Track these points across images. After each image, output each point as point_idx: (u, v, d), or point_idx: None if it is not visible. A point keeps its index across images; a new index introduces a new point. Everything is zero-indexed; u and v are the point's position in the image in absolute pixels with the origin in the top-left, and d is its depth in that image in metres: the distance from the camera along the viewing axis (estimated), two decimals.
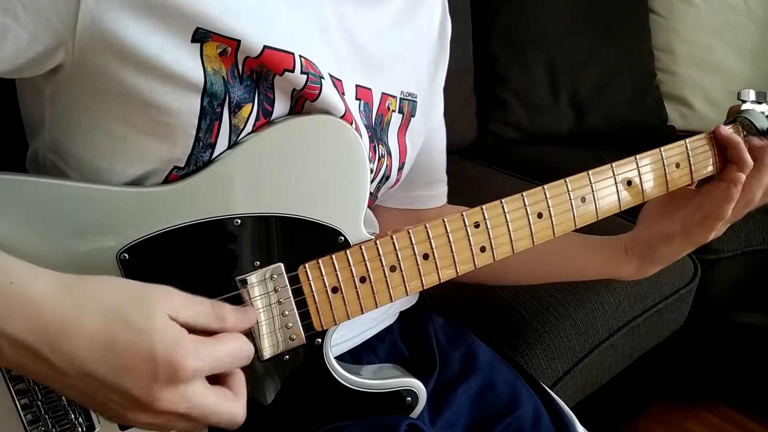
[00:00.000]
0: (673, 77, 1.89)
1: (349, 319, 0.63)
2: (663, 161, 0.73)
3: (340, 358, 0.66)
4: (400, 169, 0.75)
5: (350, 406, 0.66)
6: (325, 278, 0.61)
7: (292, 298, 0.60)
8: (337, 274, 0.61)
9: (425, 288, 0.65)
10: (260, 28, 0.56)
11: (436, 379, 0.78)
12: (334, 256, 0.61)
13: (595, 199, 0.71)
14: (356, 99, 0.66)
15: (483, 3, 1.77)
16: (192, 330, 0.50)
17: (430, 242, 0.64)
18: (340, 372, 0.65)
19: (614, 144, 1.70)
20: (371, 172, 0.66)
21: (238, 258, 0.59)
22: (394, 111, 0.72)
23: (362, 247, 0.62)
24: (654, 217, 0.77)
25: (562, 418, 0.79)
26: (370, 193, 0.67)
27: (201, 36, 0.53)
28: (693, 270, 1.31)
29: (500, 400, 0.78)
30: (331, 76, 0.62)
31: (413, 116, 0.75)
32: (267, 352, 0.60)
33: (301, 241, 0.60)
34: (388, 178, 0.72)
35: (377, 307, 0.64)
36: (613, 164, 0.71)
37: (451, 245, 0.65)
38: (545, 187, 0.68)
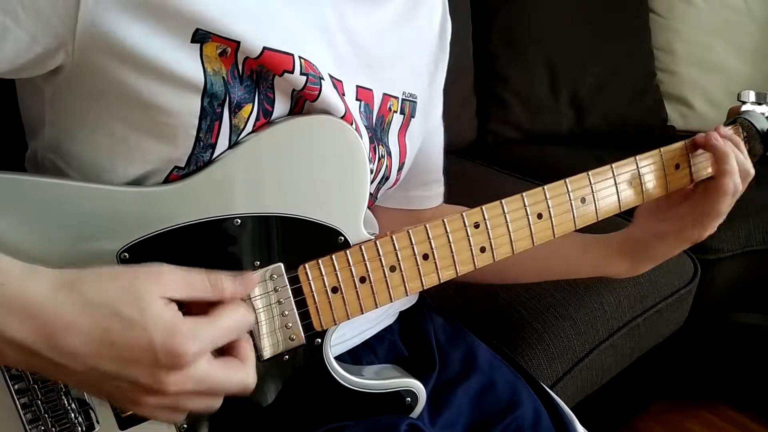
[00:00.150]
0: (673, 77, 1.89)
1: (348, 319, 0.63)
2: (663, 162, 0.73)
3: (339, 358, 0.66)
4: (400, 169, 0.75)
5: (350, 406, 0.66)
6: (324, 278, 0.61)
7: (291, 298, 0.60)
8: (336, 274, 0.61)
9: (425, 288, 0.65)
10: (260, 28, 0.56)
11: (436, 379, 0.78)
12: (334, 256, 0.61)
13: (595, 200, 0.71)
14: (356, 100, 0.66)
15: (483, 3, 1.77)
16: (190, 305, 0.50)
17: (430, 242, 0.64)
18: (340, 372, 0.65)
19: (614, 144, 1.69)
20: (371, 172, 0.66)
21: (238, 258, 0.59)
22: (395, 112, 0.72)
23: (362, 247, 0.62)
24: (649, 216, 0.78)
25: (562, 418, 0.79)
26: (370, 194, 0.67)
27: (201, 37, 0.53)
28: (693, 270, 1.31)
29: (500, 400, 0.78)
30: (331, 76, 0.62)
31: (413, 117, 0.75)
32: (267, 352, 0.60)
33: (301, 241, 0.60)
34: (387, 178, 0.72)
35: (377, 307, 0.64)
36: (613, 165, 0.71)
37: (450, 245, 0.65)
38: (545, 187, 0.68)
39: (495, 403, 0.78)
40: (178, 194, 0.57)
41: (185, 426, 0.59)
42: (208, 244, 0.58)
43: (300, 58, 0.58)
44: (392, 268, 0.63)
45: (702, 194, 0.74)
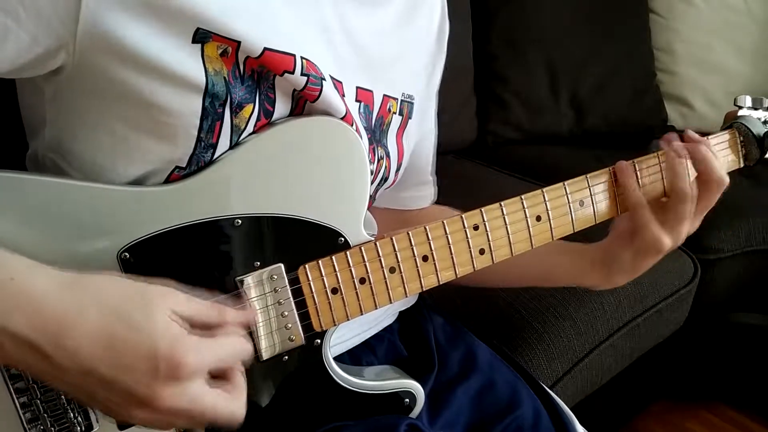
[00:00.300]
0: (673, 77, 1.89)
1: (348, 319, 0.63)
2: (660, 165, 0.73)
3: (339, 359, 0.66)
4: (398, 170, 0.75)
5: (349, 406, 0.66)
6: (324, 279, 0.61)
7: (291, 298, 0.61)
8: (336, 275, 0.62)
9: (424, 289, 0.65)
10: (261, 29, 0.56)
11: (436, 380, 0.78)
12: (334, 257, 0.61)
13: (593, 203, 0.71)
14: (356, 101, 0.66)
15: (483, 3, 1.77)
16: (192, 327, 0.50)
17: (430, 244, 0.64)
18: (339, 373, 0.65)
19: (614, 144, 1.69)
20: (371, 173, 0.66)
21: (238, 258, 0.59)
22: (395, 113, 0.72)
23: (362, 248, 0.62)
24: (621, 228, 0.75)
25: (561, 418, 0.79)
26: (369, 195, 0.67)
27: (201, 36, 0.53)
28: (693, 270, 1.31)
29: (500, 401, 0.78)
30: (331, 77, 0.62)
31: (410, 118, 0.75)
32: (266, 353, 0.61)
33: (301, 242, 0.60)
34: (386, 179, 0.72)
35: (376, 308, 0.64)
36: (611, 167, 0.71)
37: (450, 247, 0.65)
38: (544, 190, 0.68)
39: (495, 404, 0.78)
40: (179, 194, 0.57)
41: (182, 430, 0.59)
42: (209, 245, 0.58)
43: (302, 58, 0.58)
44: (392, 270, 0.63)
45: (668, 203, 0.72)
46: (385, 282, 0.63)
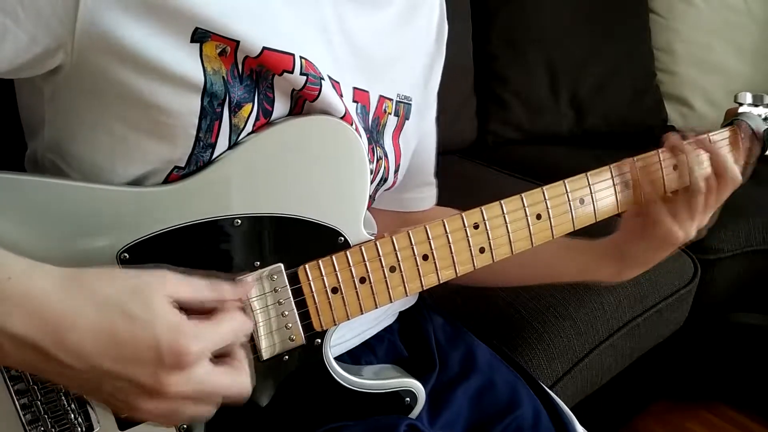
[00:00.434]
0: (673, 77, 1.89)
1: (348, 319, 0.63)
2: (660, 163, 0.73)
3: (339, 359, 0.66)
4: (397, 171, 0.75)
5: (349, 406, 0.66)
6: (324, 279, 0.61)
7: (291, 298, 0.60)
8: (336, 275, 0.62)
9: (424, 289, 0.65)
10: (260, 28, 0.56)
11: (436, 380, 0.78)
12: (334, 257, 0.61)
13: (593, 201, 0.71)
14: (353, 101, 0.66)
15: (483, 3, 1.77)
16: (190, 310, 0.51)
17: (430, 243, 0.64)
18: (340, 372, 0.65)
19: (614, 144, 1.69)
20: (370, 173, 0.66)
21: (237, 258, 0.59)
22: (390, 114, 0.72)
23: (362, 247, 0.62)
24: (632, 222, 0.77)
25: (561, 418, 0.79)
26: (369, 195, 0.67)
27: (200, 36, 0.53)
28: (693, 270, 1.31)
29: (500, 401, 0.78)
30: (329, 77, 0.62)
31: (407, 119, 0.75)
32: (266, 353, 0.60)
33: (300, 241, 0.60)
34: (386, 180, 0.72)
35: (377, 308, 0.64)
36: (611, 166, 0.71)
37: (450, 246, 0.65)
38: (544, 188, 0.68)
39: (494, 404, 0.78)
40: (178, 194, 0.57)
41: (185, 426, 0.59)
42: (208, 245, 0.58)
43: (301, 58, 0.58)
44: (392, 269, 0.63)
45: (680, 196, 0.73)
46: (386, 281, 0.63)
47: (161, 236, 0.56)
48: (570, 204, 0.69)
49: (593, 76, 1.81)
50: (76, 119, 0.56)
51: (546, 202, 0.68)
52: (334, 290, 0.62)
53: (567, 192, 0.69)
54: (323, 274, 0.61)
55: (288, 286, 0.60)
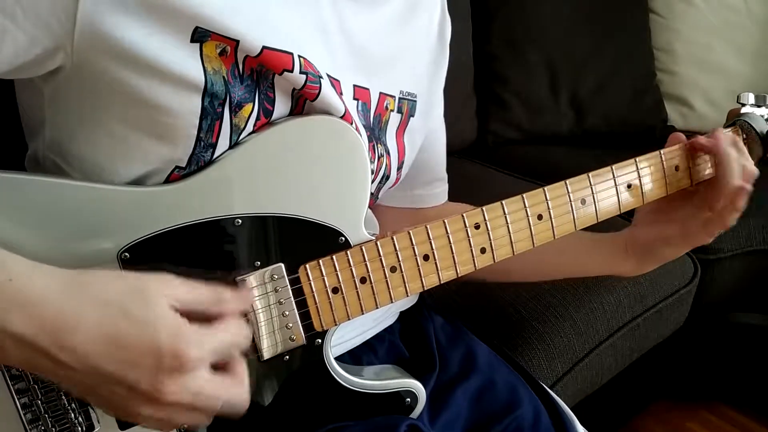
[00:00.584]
0: (673, 77, 1.89)
1: (349, 319, 0.63)
2: (663, 163, 0.73)
3: (340, 359, 0.66)
4: (399, 168, 0.75)
5: (350, 406, 0.66)
6: (325, 278, 0.61)
7: (292, 298, 0.60)
8: (337, 275, 0.61)
9: (425, 289, 0.65)
10: (259, 28, 0.56)
11: (436, 380, 0.78)
12: (334, 257, 0.61)
13: (595, 201, 0.71)
14: (354, 99, 0.66)
15: (483, 3, 1.77)
16: (191, 316, 0.50)
17: (431, 243, 0.64)
18: (340, 372, 0.65)
19: (614, 144, 1.70)
20: (371, 172, 0.66)
21: (238, 258, 0.59)
22: (392, 111, 0.72)
23: (363, 247, 0.62)
24: (651, 218, 0.78)
25: (561, 418, 0.79)
26: (371, 193, 0.67)
27: (200, 35, 0.53)
28: (693, 270, 1.31)
29: (500, 401, 0.78)
30: (329, 76, 0.62)
31: (412, 116, 0.75)
32: (267, 353, 0.60)
33: (301, 241, 0.60)
34: (388, 177, 0.72)
35: (377, 308, 0.64)
36: (613, 166, 0.71)
37: (451, 246, 0.65)
38: (545, 188, 0.68)
39: (495, 404, 0.78)
40: (179, 194, 0.57)
41: (185, 427, 0.59)
42: (209, 245, 0.58)
43: (299, 57, 0.58)
44: (393, 269, 0.63)
45: (703, 195, 0.74)
46: (386, 281, 0.63)
47: (162, 236, 0.56)
48: (571, 204, 0.69)
49: (593, 76, 1.81)
50: (77, 119, 0.56)
51: (547, 203, 0.68)
52: (335, 290, 0.62)
53: (568, 192, 0.69)
54: (324, 274, 0.61)
55: (288, 286, 0.60)
